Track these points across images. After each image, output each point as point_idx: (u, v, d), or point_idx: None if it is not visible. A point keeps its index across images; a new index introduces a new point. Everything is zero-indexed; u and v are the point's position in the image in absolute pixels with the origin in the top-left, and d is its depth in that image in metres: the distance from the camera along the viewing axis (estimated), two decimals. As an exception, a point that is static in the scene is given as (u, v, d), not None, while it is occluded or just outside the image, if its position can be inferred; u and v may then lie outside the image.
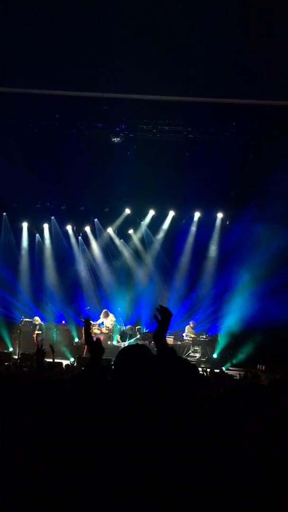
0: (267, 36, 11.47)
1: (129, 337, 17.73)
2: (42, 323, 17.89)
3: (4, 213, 19.28)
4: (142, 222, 19.77)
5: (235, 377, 10.37)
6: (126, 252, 20.04)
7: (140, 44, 11.80)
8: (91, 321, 16.88)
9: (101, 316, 18.43)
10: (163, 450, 1.94)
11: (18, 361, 13.78)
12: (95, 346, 3.51)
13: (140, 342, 17.39)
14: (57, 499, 1.95)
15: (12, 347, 17.24)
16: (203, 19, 11.35)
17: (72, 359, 16.42)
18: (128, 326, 18.43)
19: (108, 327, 18.23)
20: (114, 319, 18.51)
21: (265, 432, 2.95)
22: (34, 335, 17.33)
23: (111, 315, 18.55)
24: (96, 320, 18.38)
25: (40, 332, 17.55)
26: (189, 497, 1.87)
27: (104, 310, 18.59)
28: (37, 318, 17.93)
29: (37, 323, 17.72)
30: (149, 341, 17.69)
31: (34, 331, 17.50)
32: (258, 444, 2.64)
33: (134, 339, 17.68)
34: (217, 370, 13.35)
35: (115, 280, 19.74)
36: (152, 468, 1.89)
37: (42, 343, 15.75)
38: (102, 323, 18.33)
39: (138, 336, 17.87)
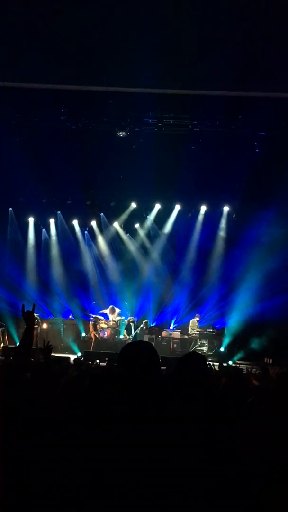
0: (274, 28, 11.39)
1: (135, 329, 17.76)
2: (36, 316, 17.64)
3: (10, 208, 19.31)
4: (148, 216, 19.75)
5: (243, 371, 10.34)
6: (132, 246, 20.03)
7: (144, 38, 11.75)
8: (98, 316, 16.88)
9: (108, 312, 18.46)
10: (166, 448, 1.94)
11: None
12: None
13: (147, 336, 17.44)
14: (56, 498, 1.94)
15: (19, 341, 17.28)
16: (209, 12, 11.28)
17: (79, 353, 16.47)
18: (129, 318, 18.42)
19: (114, 321, 18.26)
20: (118, 314, 18.50)
21: (273, 426, 2.94)
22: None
23: (117, 310, 18.57)
24: (104, 314, 18.43)
25: (36, 326, 17.39)
26: (192, 496, 1.86)
27: (111, 306, 18.63)
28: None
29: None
30: (156, 335, 17.74)
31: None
32: (265, 439, 2.64)
33: (139, 328, 17.72)
34: (225, 364, 13.35)
35: (122, 275, 19.75)
36: (154, 467, 1.88)
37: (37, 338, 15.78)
38: (108, 317, 18.34)
39: (142, 325, 17.91)
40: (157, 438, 1.94)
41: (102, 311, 18.61)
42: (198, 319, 18.35)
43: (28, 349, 3.70)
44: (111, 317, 18.37)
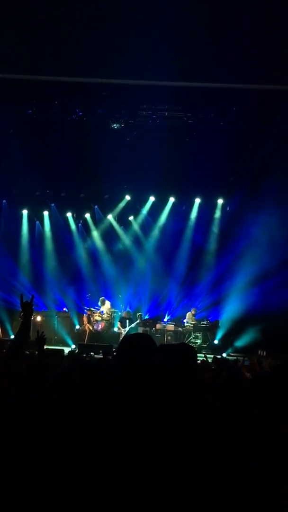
0: (267, 20, 11.37)
1: (129, 322, 17.74)
2: None
3: (4, 200, 19.23)
4: (142, 209, 19.73)
5: (238, 362, 10.36)
6: (126, 239, 20.02)
7: (138, 29, 11.70)
8: (92, 309, 16.87)
9: (99, 304, 18.46)
10: (163, 445, 1.93)
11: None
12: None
13: (140, 328, 17.45)
14: (56, 498, 1.94)
15: (14, 334, 17.25)
16: (202, 2, 11.25)
17: (73, 346, 16.48)
18: (124, 311, 18.43)
19: (108, 314, 18.27)
20: (109, 305, 18.49)
21: (269, 418, 2.94)
22: None
23: (107, 302, 18.57)
24: (98, 308, 18.44)
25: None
26: (190, 493, 1.85)
27: (101, 298, 18.62)
28: None
29: None
30: (150, 328, 17.75)
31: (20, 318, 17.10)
32: (261, 431, 2.64)
33: (135, 323, 17.70)
34: (219, 356, 13.37)
35: (116, 267, 19.72)
36: (152, 465, 1.87)
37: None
38: (103, 311, 18.36)
39: (138, 321, 17.89)
40: (154, 433, 1.93)
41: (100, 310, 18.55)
42: (194, 312, 18.38)
43: (25, 340, 3.68)
44: (102, 309, 18.36)
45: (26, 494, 1.99)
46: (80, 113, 16.33)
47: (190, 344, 16.44)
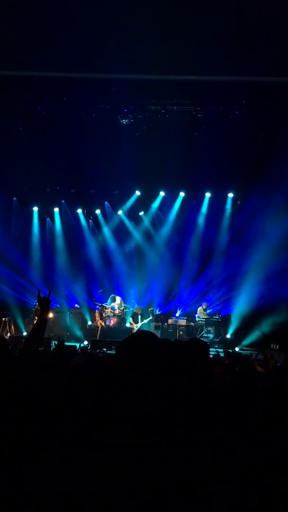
0: (276, 11, 11.27)
1: (141, 317, 17.74)
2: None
3: (14, 198, 19.29)
4: (152, 204, 19.71)
5: (250, 357, 10.35)
6: (137, 234, 20.01)
7: (146, 24, 11.65)
8: (104, 304, 16.87)
9: (110, 301, 18.48)
10: (170, 444, 1.91)
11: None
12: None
13: (153, 324, 17.45)
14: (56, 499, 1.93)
15: (26, 331, 17.32)
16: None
17: (86, 342, 16.51)
18: (137, 307, 18.42)
19: (120, 310, 18.29)
20: (120, 301, 18.50)
21: (281, 413, 2.92)
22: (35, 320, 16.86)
23: (117, 298, 18.60)
24: (109, 303, 18.47)
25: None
26: (193, 494, 1.84)
27: (112, 295, 18.64)
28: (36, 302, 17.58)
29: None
30: (162, 323, 17.75)
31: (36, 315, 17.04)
32: (273, 426, 2.62)
33: (147, 320, 17.68)
34: (230, 351, 13.35)
35: (127, 263, 19.73)
36: (159, 464, 1.86)
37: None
38: (114, 306, 18.38)
39: (151, 317, 17.88)
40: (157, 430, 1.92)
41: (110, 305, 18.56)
42: (205, 307, 18.35)
43: (41, 337, 3.67)
44: (115, 305, 18.38)
45: (34, 491, 1.99)
46: (89, 109, 16.32)
47: (203, 338, 16.44)
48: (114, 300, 18.46)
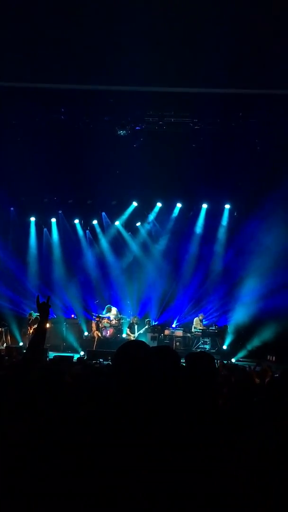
0: (274, 24, 11.37)
1: (138, 328, 17.71)
2: (37, 316, 17.27)
3: (12, 208, 19.32)
4: (149, 215, 19.76)
5: (246, 368, 10.34)
6: (134, 245, 20.04)
7: (144, 36, 11.72)
8: (100, 315, 16.78)
9: (105, 311, 18.45)
10: (169, 451, 1.92)
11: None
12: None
13: (149, 334, 17.43)
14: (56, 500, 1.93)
15: (23, 342, 17.28)
16: (208, 9, 11.27)
17: (82, 352, 16.48)
18: (133, 316, 18.38)
19: (116, 320, 18.27)
20: (115, 312, 18.49)
21: (277, 424, 2.93)
22: (31, 330, 16.68)
23: (113, 308, 18.58)
24: (105, 314, 18.47)
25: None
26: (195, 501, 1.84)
27: (107, 306, 18.61)
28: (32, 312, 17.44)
29: (33, 317, 17.16)
30: (158, 334, 17.73)
31: (32, 325, 16.82)
32: (270, 437, 2.62)
33: (143, 329, 17.65)
34: (225, 362, 13.33)
35: (124, 273, 19.74)
36: (156, 473, 1.86)
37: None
38: (110, 317, 18.35)
39: (147, 326, 17.84)
40: (155, 437, 1.92)
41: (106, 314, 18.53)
42: (201, 318, 18.34)
43: (41, 346, 3.62)
44: (111, 316, 18.36)
45: (30, 495, 1.99)
46: (87, 120, 16.39)
47: (199, 349, 16.42)
48: (109, 310, 18.45)
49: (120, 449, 1.91)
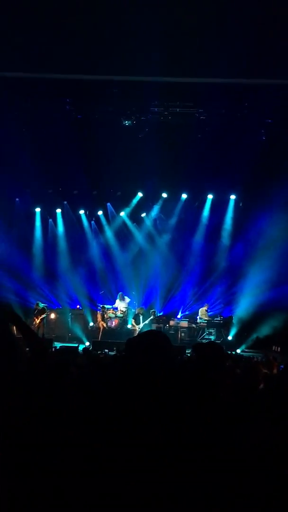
0: (279, 14, 11.29)
1: (143, 318, 17.70)
2: (44, 306, 17.31)
3: (17, 199, 19.32)
4: (154, 205, 19.73)
5: (254, 359, 10.36)
6: (139, 236, 20.03)
7: (149, 26, 11.66)
8: (105, 306, 16.84)
9: (118, 299, 18.50)
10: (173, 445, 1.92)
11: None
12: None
13: (154, 325, 17.44)
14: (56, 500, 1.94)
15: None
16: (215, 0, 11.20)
17: (87, 343, 16.53)
18: (138, 308, 18.39)
19: (122, 311, 18.30)
20: (127, 301, 18.56)
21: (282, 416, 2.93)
22: (38, 320, 16.83)
23: (126, 298, 18.62)
24: (112, 304, 18.51)
25: (44, 316, 17.07)
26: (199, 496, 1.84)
27: (120, 293, 18.65)
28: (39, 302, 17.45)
29: (39, 307, 17.21)
30: (163, 324, 17.75)
31: (38, 315, 16.93)
32: (274, 431, 2.63)
33: (148, 320, 17.65)
34: (229, 352, 13.36)
35: (129, 264, 19.74)
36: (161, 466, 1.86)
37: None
38: (117, 307, 18.38)
39: (152, 317, 17.83)
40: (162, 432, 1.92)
41: (114, 305, 18.58)
42: (206, 308, 18.34)
43: (32, 339, 3.53)
44: (120, 304, 18.38)
45: (32, 493, 2.00)
46: (92, 111, 16.35)
47: (204, 340, 16.44)
48: (122, 298, 18.48)
49: (122, 449, 1.91)
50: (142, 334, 2.23)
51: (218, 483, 1.86)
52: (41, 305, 17.13)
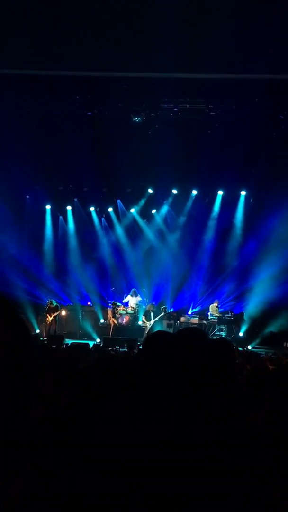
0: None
1: (153, 315, 17.67)
2: (56, 303, 17.40)
3: (27, 196, 19.36)
4: (165, 202, 19.70)
5: (261, 355, 10.32)
6: (149, 232, 20.01)
7: (160, 22, 11.65)
8: (116, 302, 16.84)
9: (130, 294, 18.51)
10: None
11: (46, 342, 13.95)
12: None
13: (165, 322, 17.42)
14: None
15: (39, 329, 17.42)
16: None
17: (98, 340, 16.56)
18: (149, 304, 18.37)
19: (133, 307, 18.29)
20: (139, 298, 18.57)
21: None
22: (50, 318, 16.98)
23: (138, 296, 18.62)
24: (121, 300, 18.52)
25: (56, 313, 17.26)
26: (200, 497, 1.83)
27: (133, 289, 18.66)
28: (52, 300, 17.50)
29: (53, 305, 17.45)
30: (174, 321, 17.72)
31: (51, 313, 17.03)
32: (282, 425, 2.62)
33: (159, 317, 17.63)
34: (244, 349, 13.32)
35: (139, 261, 19.73)
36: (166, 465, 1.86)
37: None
38: (127, 303, 18.39)
39: (163, 314, 17.79)
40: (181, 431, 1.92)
41: (124, 300, 18.62)
42: (217, 304, 18.29)
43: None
44: (132, 300, 18.38)
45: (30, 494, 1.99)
46: (102, 107, 16.35)
47: (215, 337, 16.40)
48: (135, 295, 18.49)
49: (125, 448, 1.90)
50: (180, 330, 2.22)
51: (224, 482, 1.85)
52: (54, 303, 17.23)
